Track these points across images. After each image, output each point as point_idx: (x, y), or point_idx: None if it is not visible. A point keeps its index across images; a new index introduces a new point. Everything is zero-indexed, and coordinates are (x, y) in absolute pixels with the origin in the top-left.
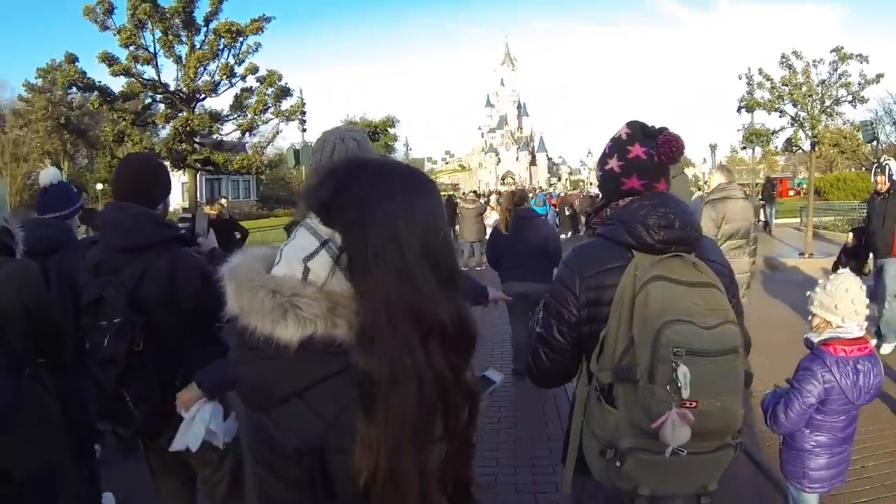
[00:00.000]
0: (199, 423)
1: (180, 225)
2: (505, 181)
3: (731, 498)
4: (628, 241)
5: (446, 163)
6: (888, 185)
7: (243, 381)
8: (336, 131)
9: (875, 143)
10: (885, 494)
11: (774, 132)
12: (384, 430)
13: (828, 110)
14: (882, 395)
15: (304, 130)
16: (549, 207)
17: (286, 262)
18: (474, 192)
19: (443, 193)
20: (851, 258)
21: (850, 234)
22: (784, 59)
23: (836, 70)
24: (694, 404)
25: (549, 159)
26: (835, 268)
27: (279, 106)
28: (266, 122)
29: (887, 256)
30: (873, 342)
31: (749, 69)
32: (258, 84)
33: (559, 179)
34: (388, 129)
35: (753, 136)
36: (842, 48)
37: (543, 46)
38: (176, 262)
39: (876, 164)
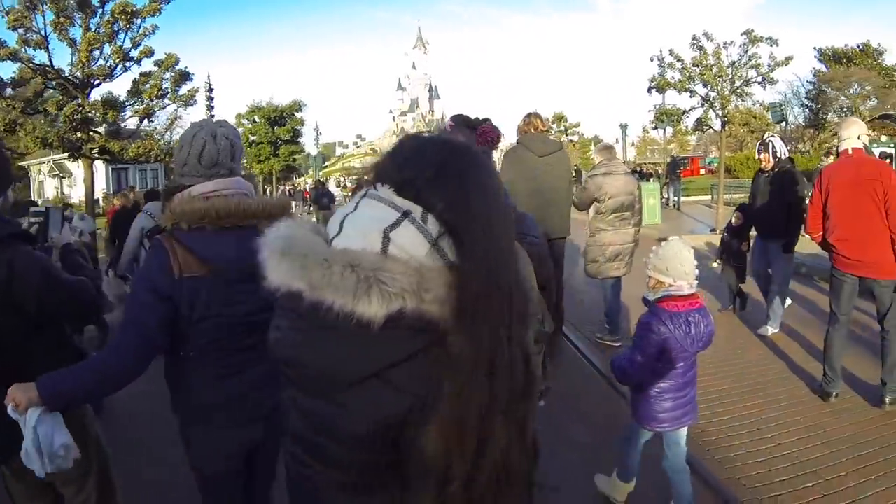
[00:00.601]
0: (28, 433)
1: (32, 220)
2: None
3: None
4: None
5: (357, 146)
6: (772, 162)
7: (305, 364)
8: (206, 126)
9: (784, 123)
10: (801, 472)
11: (685, 112)
12: (471, 408)
13: (738, 91)
14: (800, 372)
15: (212, 117)
16: None
17: (359, 234)
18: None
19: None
20: (735, 236)
21: (736, 213)
22: (695, 41)
23: (746, 52)
24: None
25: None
26: (721, 246)
27: (177, 91)
28: (164, 108)
29: (771, 236)
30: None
31: (661, 51)
32: (156, 68)
33: None
34: (295, 114)
35: (664, 116)
36: (752, 31)
37: (455, 29)
38: (13, 260)
39: (760, 142)
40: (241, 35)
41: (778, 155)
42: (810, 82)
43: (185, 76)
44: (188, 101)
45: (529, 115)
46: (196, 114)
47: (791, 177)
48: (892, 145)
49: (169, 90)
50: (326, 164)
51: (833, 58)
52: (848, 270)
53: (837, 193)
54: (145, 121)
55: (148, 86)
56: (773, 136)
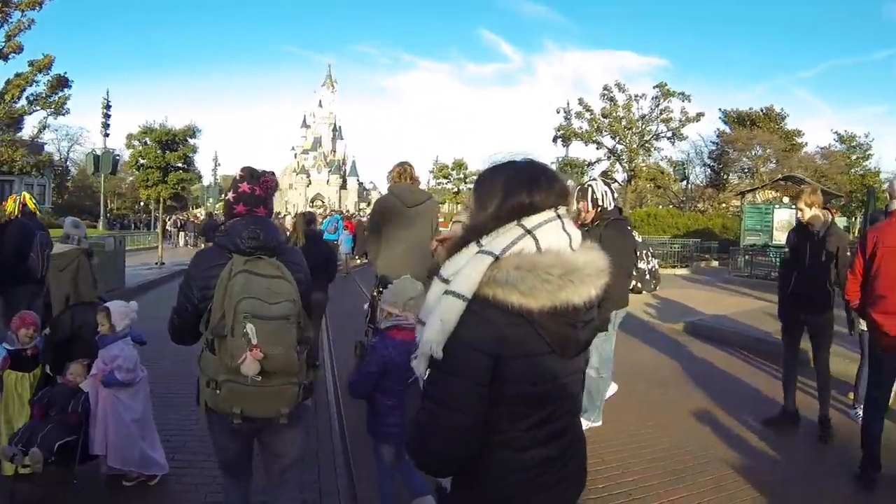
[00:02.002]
0: None
1: None
2: (314, 203)
3: None
4: (229, 247)
5: None
6: (592, 212)
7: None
8: None
9: (686, 182)
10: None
11: (590, 164)
12: None
13: (646, 145)
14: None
15: (106, 135)
16: (344, 231)
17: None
18: (277, 212)
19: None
20: None
21: None
22: (606, 91)
23: (657, 105)
24: (259, 349)
25: (360, 184)
26: None
27: (51, 97)
28: (30, 113)
29: None
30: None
31: (567, 102)
32: (29, 68)
33: (368, 204)
34: (189, 139)
35: (568, 167)
36: (665, 84)
37: (367, 71)
38: None
39: (578, 187)
40: (147, 56)
41: (600, 203)
42: (713, 142)
43: (62, 82)
44: (59, 108)
45: (402, 164)
46: (93, 134)
47: (617, 229)
48: (793, 206)
49: (44, 94)
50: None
51: (737, 119)
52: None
53: (889, 258)
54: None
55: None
56: (594, 180)
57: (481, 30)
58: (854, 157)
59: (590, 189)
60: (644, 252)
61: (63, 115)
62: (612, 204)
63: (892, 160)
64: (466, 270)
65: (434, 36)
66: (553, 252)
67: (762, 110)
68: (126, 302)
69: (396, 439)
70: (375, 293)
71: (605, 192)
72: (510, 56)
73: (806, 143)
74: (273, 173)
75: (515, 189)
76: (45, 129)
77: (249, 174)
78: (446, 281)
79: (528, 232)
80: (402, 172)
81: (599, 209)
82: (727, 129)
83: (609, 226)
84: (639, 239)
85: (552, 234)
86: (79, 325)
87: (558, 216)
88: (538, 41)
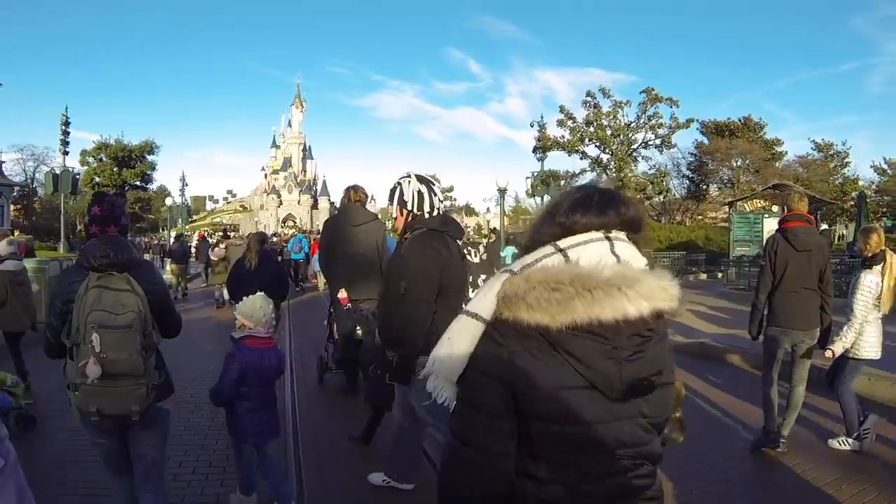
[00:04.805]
0: None
1: None
2: (286, 223)
3: None
4: (85, 265)
5: (228, 202)
6: (402, 220)
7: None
8: None
9: (663, 194)
10: None
11: (574, 175)
12: None
13: (633, 154)
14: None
15: (66, 153)
16: (307, 250)
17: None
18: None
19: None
20: None
21: None
22: (590, 98)
23: (644, 112)
24: (104, 355)
25: (332, 203)
26: None
27: None
28: None
29: None
30: None
31: (542, 115)
32: None
33: None
34: (147, 156)
35: (550, 179)
36: (652, 89)
37: (337, 90)
38: None
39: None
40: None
41: (411, 208)
42: (692, 153)
43: None
44: None
45: (351, 187)
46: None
47: (421, 243)
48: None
49: None
50: (194, 217)
51: (715, 130)
52: None
53: None
54: None
55: None
56: (406, 176)
57: (449, 49)
58: (832, 164)
59: (397, 189)
60: (487, 277)
61: None
62: (436, 210)
63: (867, 168)
64: (484, 289)
65: (402, 55)
66: (575, 263)
67: (741, 120)
68: None
69: (256, 439)
70: (331, 310)
71: (421, 193)
72: (479, 75)
73: (786, 153)
74: (121, 195)
75: (558, 211)
76: None
77: (98, 198)
78: None
79: (560, 250)
80: (351, 195)
81: (410, 215)
82: (705, 140)
83: (414, 239)
84: (476, 259)
85: (590, 252)
86: None
87: (608, 238)
88: (506, 59)
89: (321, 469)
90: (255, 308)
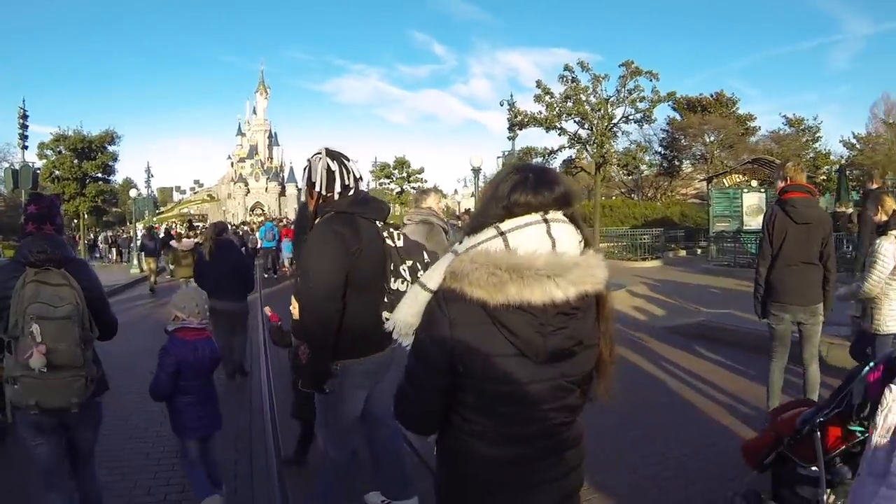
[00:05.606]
0: None
1: None
2: (254, 212)
3: None
4: (22, 261)
5: (195, 192)
6: (313, 202)
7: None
8: None
9: (635, 170)
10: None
11: (552, 152)
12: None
13: (613, 129)
14: (695, 389)
15: (24, 148)
16: (280, 239)
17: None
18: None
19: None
20: None
21: None
22: (568, 72)
23: (624, 86)
24: (44, 346)
25: (299, 190)
26: None
27: None
28: None
29: None
30: None
31: (511, 94)
32: None
33: None
34: (108, 146)
35: (527, 157)
36: (632, 62)
37: (300, 76)
38: None
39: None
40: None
41: (320, 188)
42: (664, 129)
43: None
44: None
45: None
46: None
47: (326, 227)
48: (762, 189)
49: None
50: (162, 209)
51: (687, 106)
52: None
53: None
54: None
55: None
56: (318, 154)
57: (413, 31)
58: (804, 139)
59: (307, 169)
60: (413, 263)
61: None
62: (351, 190)
63: (837, 143)
64: (438, 264)
65: (365, 39)
66: (513, 250)
67: (713, 95)
68: None
69: (199, 434)
70: None
71: (331, 171)
72: (443, 57)
73: (759, 128)
74: (56, 195)
75: (499, 193)
76: None
77: (36, 198)
78: None
79: (501, 234)
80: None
81: (321, 197)
82: (677, 116)
83: (317, 226)
84: (399, 243)
85: (528, 237)
86: None
87: (545, 220)
88: (469, 41)
89: (309, 480)
90: (186, 298)
